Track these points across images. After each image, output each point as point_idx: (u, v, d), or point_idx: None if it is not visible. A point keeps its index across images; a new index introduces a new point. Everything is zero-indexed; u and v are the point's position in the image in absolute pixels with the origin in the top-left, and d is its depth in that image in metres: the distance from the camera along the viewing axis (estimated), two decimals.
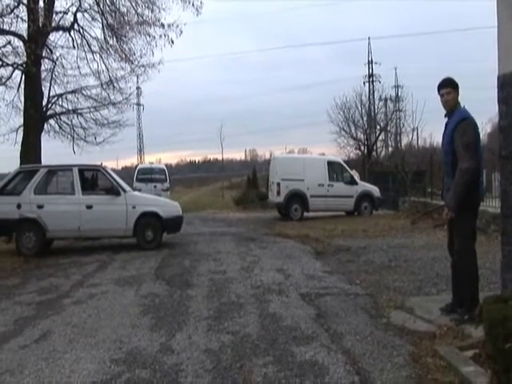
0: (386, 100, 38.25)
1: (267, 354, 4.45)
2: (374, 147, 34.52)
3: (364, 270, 8.07)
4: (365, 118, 34.33)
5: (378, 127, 35.38)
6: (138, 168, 24.50)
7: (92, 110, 17.92)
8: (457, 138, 4.98)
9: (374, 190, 19.36)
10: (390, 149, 40.08)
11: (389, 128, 36.39)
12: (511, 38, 4.41)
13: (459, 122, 5.01)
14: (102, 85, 17.31)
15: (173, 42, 16.00)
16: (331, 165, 19.06)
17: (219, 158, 60.30)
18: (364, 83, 46.82)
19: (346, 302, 6.16)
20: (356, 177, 19.61)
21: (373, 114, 36.33)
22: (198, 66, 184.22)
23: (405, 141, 38.76)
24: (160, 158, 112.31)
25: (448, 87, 5.18)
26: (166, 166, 29.16)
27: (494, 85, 4.67)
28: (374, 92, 42.74)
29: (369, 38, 52.97)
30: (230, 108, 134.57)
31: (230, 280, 7.58)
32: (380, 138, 36.01)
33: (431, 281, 7.05)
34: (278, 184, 18.20)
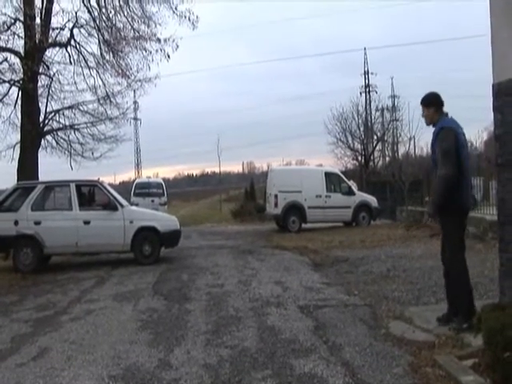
0: (382, 110, 38.36)
1: (266, 367, 4.42)
2: (371, 157, 34.63)
3: (362, 281, 8.06)
4: (362, 129, 34.44)
5: (375, 137, 35.52)
6: (135, 182, 24.53)
7: (89, 125, 17.92)
8: (437, 146, 5.14)
9: (372, 200, 19.36)
10: (388, 158, 40.11)
11: (386, 138, 36.47)
12: (505, 46, 4.44)
13: (439, 131, 5.17)
14: (98, 100, 17.32)
15: (169, 56, 16.05)
16: (329, 176, 19.11)
17: (217, 170, 60.34)
18: (360, 93, 46.69)
19: (345, 313, 6.14)
20: (354, 187, 19.62)
21: (370, 124, 36.39)
22: (195, 79, 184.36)
23: (402, 150, 38.69)
24: (157, 172, 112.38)
25: (422, 105, 5.44)
26: (164, 180, 29.19)
27: (490, 93, 4.70)
28: (370, 102, 42.61)
29: (365, 49, 52.99)
30: (228, 120, 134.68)
31: (228, 294, 7.56)
32: (377, 148, 36.16)
33: (430, 290, 7.04)
34: (276, 196, 18.21)
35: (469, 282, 5.14)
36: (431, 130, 5.39)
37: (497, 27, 4.57)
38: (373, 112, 38.56)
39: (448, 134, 5.06)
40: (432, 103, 5.35)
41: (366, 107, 39.05)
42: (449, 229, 5.18)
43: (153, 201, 21.63)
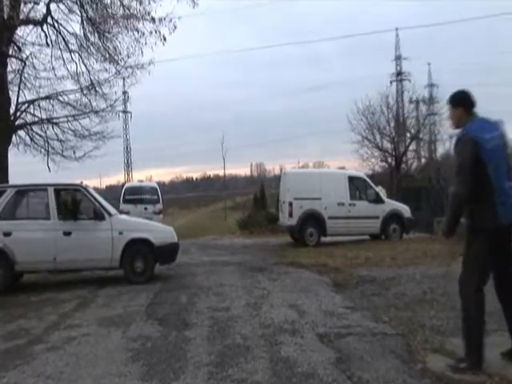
0: (417, 102, 38.27)
1: None
2: (404, 158, 34.50)
3: (393, 305, 8.03)
4: (392, 125, 34.39)
5: (409, 135, 35.40)
6: (125, 187, 24.56)
7: (70, 119, 17.91)
8: (455, 159, 5.25)
9: (404, 210, 19.30)
10: (423, 160, 40.06)
11: (421, 135, 36.39)
12: None
13: (457, 142, 5.22)
14: (81, 89, 17.33)
15: (165, 38, 16.06)
16: (353, 180, 19.11)
17: (221, 173, 60.68)
18: (391, 83, 46.94)
19: (373, 343, 6.12)
20: (382, 194, 19.57)
21: (402, 119, 36.34)
22: (193, 66, 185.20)
23: (440, 150, 38.78)
24: (151, 175, 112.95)
25: (448, 105, 5.51)
26: (159, 184, 29.26)
27: None
28: (402, 93, 42.78)
29: (396, 29, 53.19)
30: (232, 114, 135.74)
31: (234, 318, 7.56)
32: (411, 147, 36.05)
33: None
34: (290, 204, 18.22)
35: (479, 316, 5.10)
36: None
37: None
38: (406, 105, 38.61)
39: (466, 145, 5.04)
40: (460, 103, 5.36)
41: (397, 99, 39.10)
42: (469, 245, 5.20)
43: (146, 208, 21.68)
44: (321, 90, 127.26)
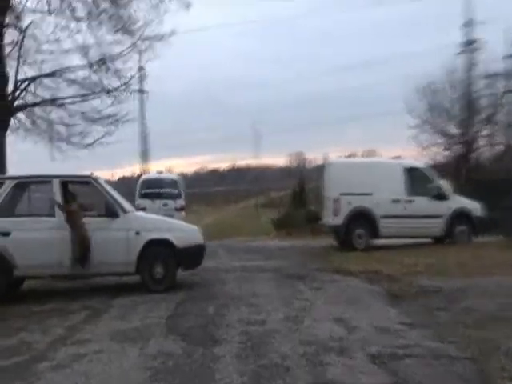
0: (492, 77, 37.51)
1: None
2: (474, 146, 33.98)
3: (461, 322, 7.96)
4: (459, 105, 33.87)
5: (481, 117, 34.83)
6: (141, 179, 24.70)
7: (78, 99, 17.93)
8: None
9: (474, 208, 19.03)
10: (500, 147, 39.37)
11: (497, 118, 35.75)
12: None
13: None
14: (91, 65, 17.33)
15: (189, 4, 16.01)
16: (411, 172, 18.93)
17: (253, 164, 60.52)
18: (459, 54, 45.96)
19: (436, 367, 6.07)
20: (447, 188, 19.33)
21: (472, 98, 35.73)
22: (222, 37, 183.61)
23: None
24: (171, 165, 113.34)
25: None
26: (181, 176, 29.33)
27: None
28: (474, 67, 41.88)
29: None
30: (267, 95, 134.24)
31: (270, 334, 7.58)
32: (483, 132, 35.46)
33: None
34: (336, 200, 18.21)
35: None
36: None
37: None
38: (477, 81, 37.86)
39: None
40: None
41: (467, 74, 38.38)
42: None
43: (165, 204, 21.79)
44: (372, 65, 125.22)
